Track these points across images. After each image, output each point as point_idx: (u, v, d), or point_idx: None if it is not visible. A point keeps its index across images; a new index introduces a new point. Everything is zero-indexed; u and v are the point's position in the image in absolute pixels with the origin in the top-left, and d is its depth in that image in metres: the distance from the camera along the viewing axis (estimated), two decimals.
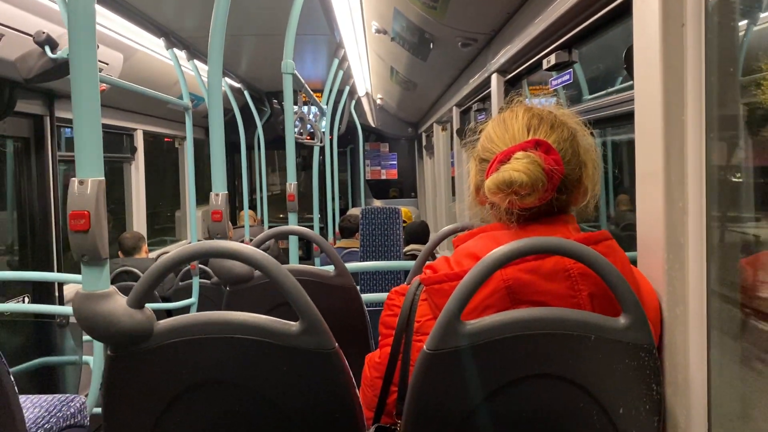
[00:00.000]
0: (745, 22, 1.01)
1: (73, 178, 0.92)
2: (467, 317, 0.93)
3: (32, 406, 2.08)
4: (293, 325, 0.95)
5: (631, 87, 1.54)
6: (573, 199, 1.05)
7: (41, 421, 2.01)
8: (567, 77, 1.79)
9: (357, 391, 1.02)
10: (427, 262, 1.14)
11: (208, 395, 0.97)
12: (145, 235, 4.66)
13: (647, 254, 1.09)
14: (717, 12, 0.97)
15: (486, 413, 0.95)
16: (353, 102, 6.86)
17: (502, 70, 2.32)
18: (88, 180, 0.92)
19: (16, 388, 1.63)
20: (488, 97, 2.84)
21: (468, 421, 0.95)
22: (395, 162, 8.38)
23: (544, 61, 1.79)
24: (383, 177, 8.39)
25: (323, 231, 6.33)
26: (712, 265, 1.01)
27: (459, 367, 0.93)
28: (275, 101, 6.50)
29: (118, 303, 0.92)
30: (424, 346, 0.93)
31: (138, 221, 4.90)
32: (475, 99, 3.14)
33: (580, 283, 0.96)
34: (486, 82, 2.61)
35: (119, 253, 4.36)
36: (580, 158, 1.05)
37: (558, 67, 1.76)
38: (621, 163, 2.72)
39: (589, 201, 1.08)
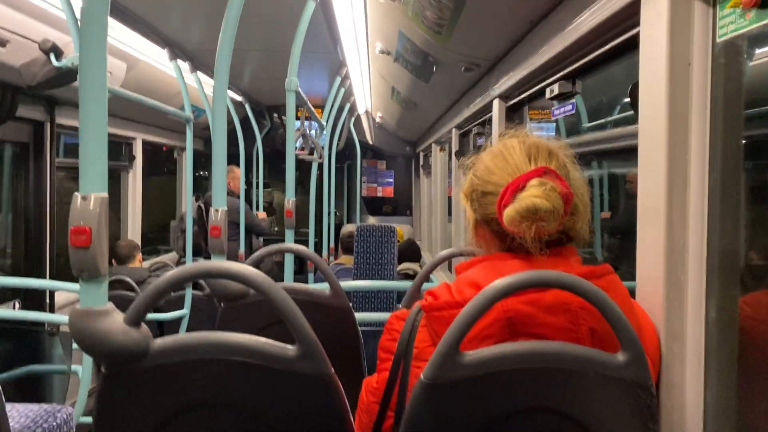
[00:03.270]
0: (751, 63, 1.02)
1: (76, 193, 0.92)
2: (466, 347, 0.92)
3: (18, 415, 2.05)
4: (290, 349, 0.94)
5: (631, 118, 1.55)
6: (579, 224, 1.05)
7: (27, 430, 1.98)
8: (570, 107, 1.80)
9: (352, 417, 1.02)
10: (426, 287, 1.14)
11: (202, 417, 0.96)
12: (140, 243, 4.64)
13: (646, 290, 1.10)
14: (724, 53, 0.98)
15: None
16: (353, 119, 6.89)
17: (504, 96, 2.34)
18: (91, 196, 0.92)
19: (2, 396, 1.62)
20: (489, 121, 2.85)
21: None
22: (392, 180, 8.40)
23: (547, 90, 1.80)
24: (379, 194, 8.41)
25: (318, 246, 6.32)
26: (710, 303, 1.01)
27: (456, 398, 0.92)
28: (275, 115, 6.51)
29: (116, 320, 0.91)
30: (422, 376, 0.92)
31: (133, 229, 4.89)
32: (476, 122, 3.15)
33: (580, 317, 0.96)
34: (487, 107, 2.62)
35: (113, 261, 4.33)
36: (573, 181, 1.06)
37: (561, 97, 1.77)
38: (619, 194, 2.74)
39: (584, 225, 1.08)
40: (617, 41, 1.32)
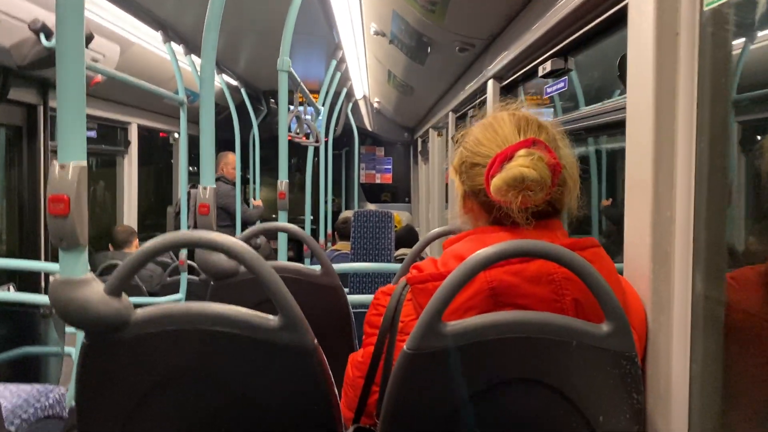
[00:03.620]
0: (742, 40, 1.01)
1: (54, 161, 0.91)
2: (449, 318, 0.92)
3: (11, 395, 2.05)
4: (272, 320, 0.94)
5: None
6: (566, 196, 1.05)
7: (19, 410, 1.98)
8: (562, 84, 1.79)
9: (336, 389, 1.01)
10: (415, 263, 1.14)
11: (184, 387, 0.95)
12: (136, 229, 4.64)
13: (633, 262, 1.09)
14: (711, 22, 0.97)
15: (465, 416, 0.93)
16: (350, 105, 6.87)
17: (498, 76, 2.32)
18: (69, 164, 0.91)
19: None
20: (484, 103, 2.84)
21: (446, 423, 0.94)
22: (390, 166, 8.39)
23: (540, 68, 1.79)
24: (378, 181, 8.40)
25: (315, 232, 6.32)
26: (697, 274, 1.01)
27: (439, 368, 0.92)
28: (272, 100, 6.48)
29: (95, 290, 0.90)
30: (405, 346, 0.92)
31: (129, 215, 4.88)
32: (471, 105, 3.14)
33: (564, 287, 0.96)
34: (482, 88, 2.61)
35: (110, 246, 4.33)
36: (563, 158, 1.05)
37: (554, 74, 1.75)
38: (614, 171, 2.73)
39: (573, 200, 1.08)
40: (607, 14, 1.31)
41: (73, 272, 0.92)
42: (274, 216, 7.17)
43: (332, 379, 0.99)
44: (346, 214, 5.27)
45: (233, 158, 5.27)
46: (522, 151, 0.98)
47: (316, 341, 0.96)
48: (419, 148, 6.92)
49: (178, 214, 4.77)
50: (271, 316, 0.94)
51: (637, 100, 1.07)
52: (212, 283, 1.64)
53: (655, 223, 1.03)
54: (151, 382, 0.94)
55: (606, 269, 0.99)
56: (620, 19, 1.26)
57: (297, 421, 0.97)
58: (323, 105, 4.56)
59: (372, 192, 8.33)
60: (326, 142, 5.83)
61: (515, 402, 0.94)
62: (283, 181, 2.48)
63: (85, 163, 0.92)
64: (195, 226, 4.75)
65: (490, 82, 2.38)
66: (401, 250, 4.71)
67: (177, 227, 4.57)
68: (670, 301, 1.02)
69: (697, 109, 0.99)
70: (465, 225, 1.17)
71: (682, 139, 1.01)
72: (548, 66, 1.72)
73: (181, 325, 0.93)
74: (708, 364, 1.01)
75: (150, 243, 0.93)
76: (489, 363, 0.93)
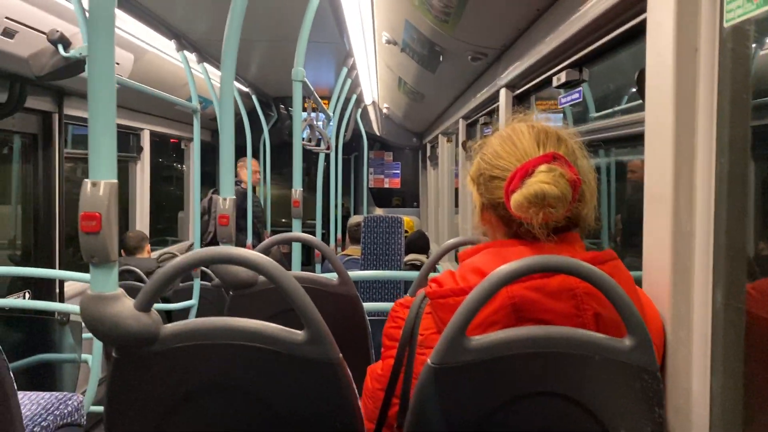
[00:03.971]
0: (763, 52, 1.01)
1: (86, 180, 0.93)
2: (472, 332, 0.93)
3: (30, 402, 2.08)
4: (299, 334, 0.95)
5: (639, 107, 1.55)
6: (585, 211, 1.05)
7: (38, 418, 2.01)
8: (576, 96, 1.80)
9: (359, 402, 1.02)
10: (431, 275, 1.15)
11: (211, 401, 0.97)
12: (148, 234, 4.67)
13: (653, 276, 1.10)
14: (731, 38, 0.98)
15: (489, 429, 0.95)
16: (359, 110, 6.89)
17: (510, 85, 2.33)
18: (101, 182, 0.93)
19: (15, 384, 1.64)
20: (495, 111, 2.85)
21: None
22: (398, 171, 8.40)
23: (554, 78, 1.80)
24: (386, 186, 8.41)
25: (325, 237, 6.34)
26: (717, 289, 1.01)
27: (462, 382, 0.93)
28: (282, 106, 6.52)
29: (126, 305, 0.92)
30: (429, 360, 0.93)
31: (141, 220, 4.91)
32: (483, 112, 3.15)
33: (586, 302, 0.96)
34: (494, 97, 2.62)
35: (122, 251, 4.36)
36: (581, 169, 1.05)
37: (568, 85, 1.76)
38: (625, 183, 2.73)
39: (590, 212, 1.08)
40: (624, 28, 1.31)
41: (105, 288, 0.93)
42: (283, 220, 7.21)
43: (356, 392, 1.01)
44: (356, 218, 5.30)
45: (252, 163, 5.35)
46: (543, 167, 0.99)
47: (340, 355, 0.97)
48: (428, 153, 6.93)
49: (203, 215, 4.86)
50: (297, 331, 0.96)
51: (657, 115, 1.08)
52: (230, 293, 1.65)
53: (675, 237, 1.04)
54: (180, 396, 0.96)
55: (625, 282, 1.00)
56: (638, 32, 1.27)
57: None
58: (333, 111, 4.59)
59: (380, 197, 8.34)
60: (336, 148, 5.86)
61: (537, 416, 0.95)
62: (297, 189, 2.49)
63: (115, 180, 0.94)
64: (215, 233, 4.81)
65: (503, 91, 2.39)
66: (411, 256, 4.72)
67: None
68: (690, 314, 1.03)
69: (717, 125, 1.00)
70: (481, 237, 1.17)
71: (702, 153, 1.02)
72: (563, 77, 1.73)
73: (208, 340, 0.94)
74: (729, 378, 1.01)
75: (177, 261, 0.94)
76: (512, 377, 0.94)
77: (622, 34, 1.34)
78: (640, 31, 1.20)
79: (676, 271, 1.04)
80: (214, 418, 0.98)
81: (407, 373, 1.06)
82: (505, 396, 0.94)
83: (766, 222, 1.07)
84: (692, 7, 1.01)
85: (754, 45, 0.97)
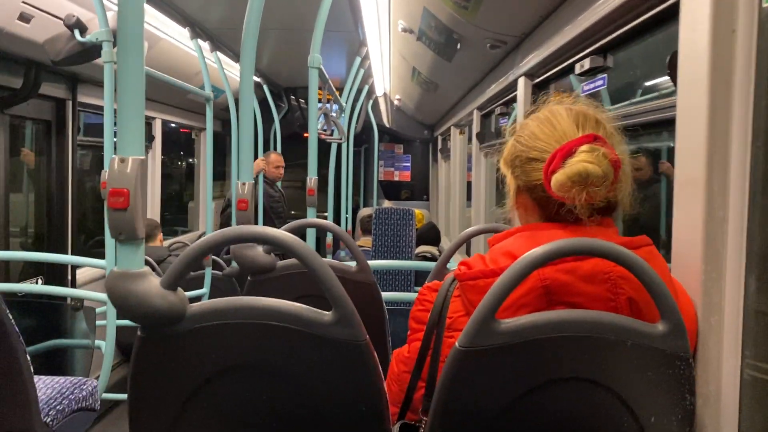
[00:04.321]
0: None
1: (114, 156, 0.92)
2: (501, 315, 0.91)
3: (45, 386, 2.08)
4: (326, 315, 0.94)
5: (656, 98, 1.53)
6: (623, 194, 1.04)
7: (53, 402, 2.01)
8: (601, 83, 1.78)
9: (384, 385, 1.01)
10: (460, 259, 1.13)
11: (237, 380, 0.96)
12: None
13: (683, 262, 1.08)
14: None
15: (516, 414, 0.93)
16: (371, 102, 6.87)
17: (530, 74, 2.31)
18: (129, 158, 0.92)
19: (31, 367, 1.64)
20: (512, 101, 2.82)
21: (497, 420, 0.93)
22: (409, 164, 8.38)
23: (577, 66, 1.78)
24: (396, 178, 8.40)
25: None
26: (750, 276, 1.00)
27: (491, 365, 0.92)
28: (293, 97, 6.51)
29: (152, 283, 0.91)
30: (457, 343, 0.92)
31: (152, 209, 4.92)
32: (499, 103, 3.12)
33: (620, 286, 0.95)
34: (511, 86, 2.60)
35: None
36: (620, 154, 1.04)
37: (591, 72, 1.74)
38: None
39: (626, 197, 1.06)
40: (655, 11, 1.29)
41: (131, 265, 0.93)
42: (293, 212, 7.22)
43: (382, 374, 1.00)
44: (368, 210, 5.28)
45: (275, 157, 5.27)
46: (585, 147, 0.97)
47: (367, 337, 0.96)
48: (439, 146, 6.90)
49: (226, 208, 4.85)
50: (325, 312, 0.94)
51: (690, 98, 1.06)
52: (249, 278, 1.64)
53: (707, 223, 1.02)
54: (205, 375, 0.95)
55: (659, 267, 0.98)
56: (670, 15, 1.24)
57: (349, 415, 0.97)
58: (346, 102, 4.57)
59: (390, 189, 8.33)
60: (347, 139, 5.84)
61: (567, 400, 0.94)
62: (312, 177, 2.48)
63: (144, 156, 0.93)
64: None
65: (522, 80, 2.36)
66: (422, 247, 4.71)
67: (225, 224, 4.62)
68: (722, 302, 1.01)
69: (753, 108, 0.98)
70: (503, 225, 1.16)
71: (737, 138, 1.00)
72: (586, 63, 1.70)
73: (235, 319, 0.93)
74: (760, 365, 0.99)
75: (205, 240, 0.94)
76: (541, 361, 0.92)
77: (654, 16, 1.31)
78: (672, 14, 1.17)
79: (708, 257, 1.02)
80: (239, 397, 0.97)
81: (434, 356, 1.05)
82: (535, 380, 0.93)
83: None
84: None
85: None
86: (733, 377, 1.00)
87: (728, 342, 1.00)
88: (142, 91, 0.93)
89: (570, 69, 1.93)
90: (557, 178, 0.96)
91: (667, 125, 1.52)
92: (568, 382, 0.93)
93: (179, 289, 0.94)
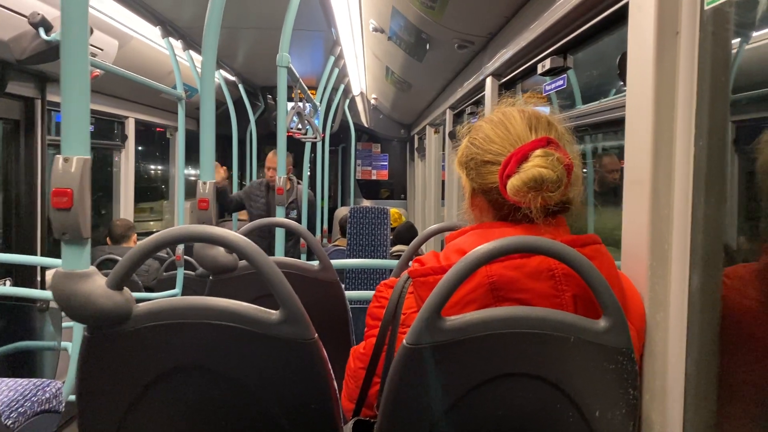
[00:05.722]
0: (738, 40, 1.01)
1: (58, 155, 0.91)
2: (449, 311, 0.92)
3: (7, 389, 2.05)
4: (273, 314, 0.94)
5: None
6: (575, 194, 1.05)
7: (15, 404, 1.98)
8: (561, 83, 1.80)
9: (335, 383, 1.02)
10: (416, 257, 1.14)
11: (185, 381, 0.96)
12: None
13: (631, 259, 1.10)
14: (712, 21, 0.98)
15: (464, 410, 0.94)
16: (347, 101, 6.86)
17: (497, 74, 2.33)
18: (73, 158, 0.91)
19: None
20: (482, 100, 2.84)
21: (446, 416, 0.94)
22: (386, 163, 8.39)
23: (539, 66, 1.80)
24: (374, 177, 8.40)
25: (311, 228, 6.32)
26: (694, 273, 1.02)
27: (438, 362, 0.92)
28: (269, 96, 6.48)
29: (97, 284, 0.91)
30: (404, 340, 0.92)
31: (126, 209, 4.87)
32: (469, 102, 3.14)
33: (564, 283, 0.96)
34: (480, 85, 2.62)
35: (108, 240, 4.32)
36: (571, 155, 1.05)
37: (552, 72, 1.76)
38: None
39: (577, 196, 1.08)
40: (607, 12, 1.31)
41: (76, 266, 0.92)
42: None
43: (332, 373, 1.00)
44: (344, 210, 5.27)
45: (268, 158, 5.17)
46: (538, 152, 0.98)
47: (316, 335, 0.96)
48: (416, 145, 6.92)
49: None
50: (272, 311, 0.95)
51: (637, 99, 1.08)
52: (210, 278, 1.64)
53: (653, 221, 1.04)
54: (152, 375, 0.95)
55: (606, 266, 1.00)
56: (620, 17, 1.27)
57: (297, 414, 0.97)
58: (321, 101, 4.56)
59: (368, 188, 8.33)
60: (323, 139, 5.83)
61: (513, 396, 0.95)
62: (282, 177, 2.48)
63: (88, 156, 0.93)
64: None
65: (489, 80, 2.38)
66: (398, 247, 4.71)
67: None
68: (667, 298, 1.03)
69: (696, 108, 1.00)
70: (463, 222, 1.17)
71: (681, 137, 1.02)
72: (547, 64, 1.72)
73: (182, 319, 0.93)
74: (704, 360, 1.02)
75: (152, 238, 0.93)
76: (487, 357, 0.93)
77: (606, 19, 1.33)
78: (622, 16, 1.19)
79: (654, 254, 1.04)
80: (187, 398, 0.97)
81: (389, 352, 1.05)
82: (481, 377, 0.93)
83: (744, 206, 1.08)
84: None
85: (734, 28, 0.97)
86: (678, 372, 1.02)
87: (673, 337, 1.02)
88: (87, 88, 0.92)
89: (534, 69, 1.95)
90: (513, 183, 0.97)
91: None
92: (513, 378, 0.94)
93: (126, 289, 0.93)
